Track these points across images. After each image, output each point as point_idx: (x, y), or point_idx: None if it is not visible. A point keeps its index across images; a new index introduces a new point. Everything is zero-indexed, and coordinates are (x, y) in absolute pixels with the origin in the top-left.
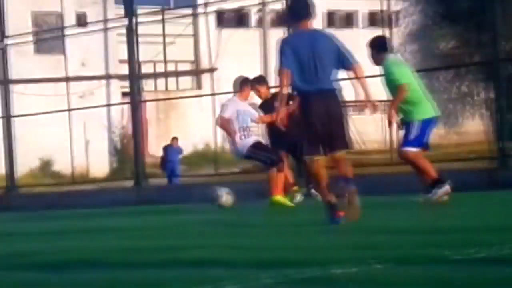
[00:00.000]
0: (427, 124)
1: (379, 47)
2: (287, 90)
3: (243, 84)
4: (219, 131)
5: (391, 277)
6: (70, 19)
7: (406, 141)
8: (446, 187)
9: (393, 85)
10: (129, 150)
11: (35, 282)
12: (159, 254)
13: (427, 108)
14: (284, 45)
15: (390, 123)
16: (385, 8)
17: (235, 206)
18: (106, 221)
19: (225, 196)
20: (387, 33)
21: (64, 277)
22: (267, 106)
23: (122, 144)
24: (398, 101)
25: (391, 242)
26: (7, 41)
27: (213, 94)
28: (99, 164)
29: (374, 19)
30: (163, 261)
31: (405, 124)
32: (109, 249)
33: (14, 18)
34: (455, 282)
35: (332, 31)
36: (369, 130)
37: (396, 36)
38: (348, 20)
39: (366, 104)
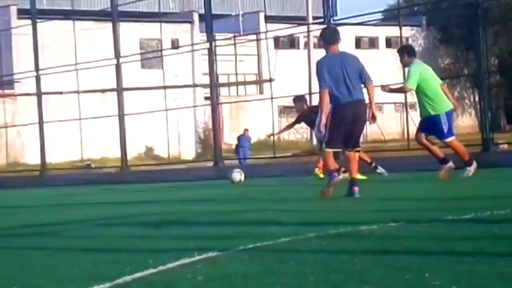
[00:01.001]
0: (449, 115)
1: (409, 52)
2: (327, 107)
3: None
4: (277, 125)
5: (402, 232)
6: (166, 43)
7: (443, 134)
8: (474, 165)
9: (420, 88)
10: (209, 140)
11: (140, 235)
12: (230, 216)
13: (445, 103)
14: (320, 67)
15: (384, 88)
16: (399, 34)
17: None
18: (193, 192)
19: (237, 175)
20: None
21: (162, 232)
22: (303, 116)
23: (204, 135)
24: (395, 92)
25: (403, 206)
26: (121, 60)
27: (271, 98)
28: (188, 150)
29: (390, 42)
30: (234, 221)
31: (430, 118)
32: (195, 212)
33: (126, 43)
34: (449, 236)
35: (359, 51)
36: (388, 125)
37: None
38: (371, 43)
39: (369, 118)
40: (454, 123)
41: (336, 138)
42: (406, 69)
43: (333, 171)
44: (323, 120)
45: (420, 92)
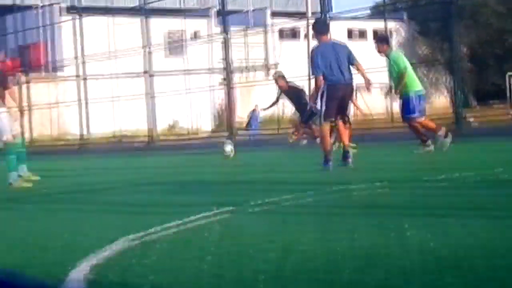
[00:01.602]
0: (419, 96)
1: (387, 42)
2: (321, 89)
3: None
4: (280, 105)
5: (386, 192)
6: (189, 34)
7: (409, 112)
8: (449, 137)
9: (393, 71)
10: (224, 116)
11: (166, 193)
12: (242, 177)
13: (417, 85)
14: (315, 54)
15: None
16: (384, 27)
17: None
18: (209, 160)
19: (229, 148)
20: None
21: (185, 191)
22: (285, 93)
23: (219, 113)
24: (402, 83)
25: (386, 171)
26: (149, 49)
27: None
28: (206, 125)
29: (377, 34)
30: (245, 181)
31: (403, 98)
32: (212, 175)
33: (154, 34)
34: (426, 196)
35: (351, 42)
36: (375, 104)
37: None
38: (361, 35)
39: (366, 85)
40: (425, 104)
41: (331, 110)
42: (383, 56)
43: (329, 158)
44: (318, 99)
45: (395, 75)
